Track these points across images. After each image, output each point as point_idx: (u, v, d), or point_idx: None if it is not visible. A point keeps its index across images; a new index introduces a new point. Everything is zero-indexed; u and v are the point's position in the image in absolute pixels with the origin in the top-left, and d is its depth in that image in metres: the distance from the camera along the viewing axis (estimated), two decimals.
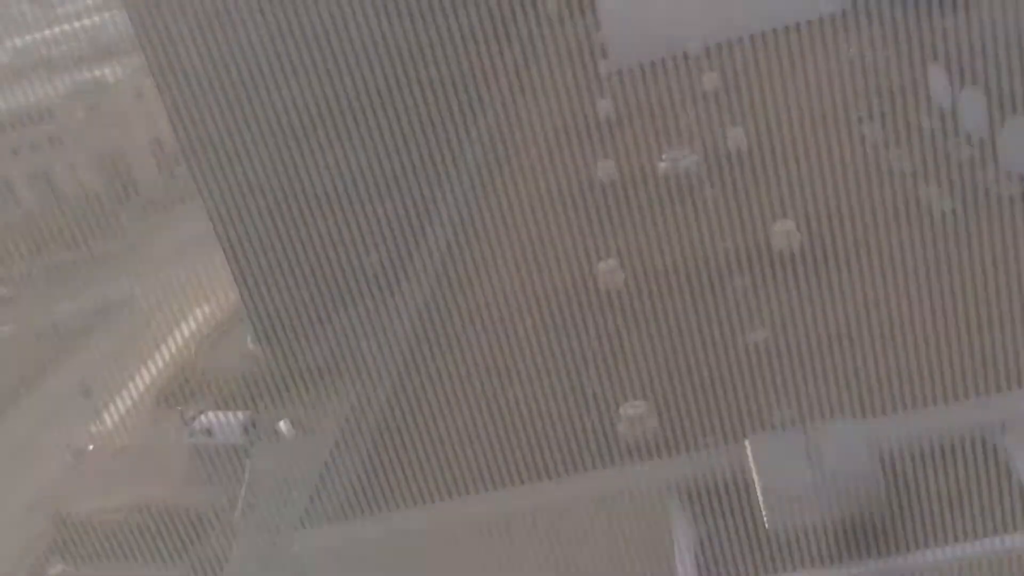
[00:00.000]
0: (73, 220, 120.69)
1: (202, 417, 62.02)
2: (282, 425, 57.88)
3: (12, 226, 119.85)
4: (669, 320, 18.93)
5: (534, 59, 48.63)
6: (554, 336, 19.65)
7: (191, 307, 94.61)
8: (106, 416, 75.58)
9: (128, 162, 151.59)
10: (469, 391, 18.48)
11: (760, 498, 13.26)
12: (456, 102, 66.25)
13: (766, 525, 13.25)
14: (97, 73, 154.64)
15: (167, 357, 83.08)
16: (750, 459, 13.59)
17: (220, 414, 63.42)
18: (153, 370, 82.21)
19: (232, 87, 72.07)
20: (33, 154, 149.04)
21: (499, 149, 34.27)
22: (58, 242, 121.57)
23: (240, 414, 61.93)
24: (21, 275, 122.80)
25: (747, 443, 13.85)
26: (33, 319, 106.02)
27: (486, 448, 16.29)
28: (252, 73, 71.49)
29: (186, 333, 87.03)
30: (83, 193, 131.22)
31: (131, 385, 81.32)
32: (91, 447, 63.54)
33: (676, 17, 37.81)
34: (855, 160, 23.85)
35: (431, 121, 68.02)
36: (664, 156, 25.50)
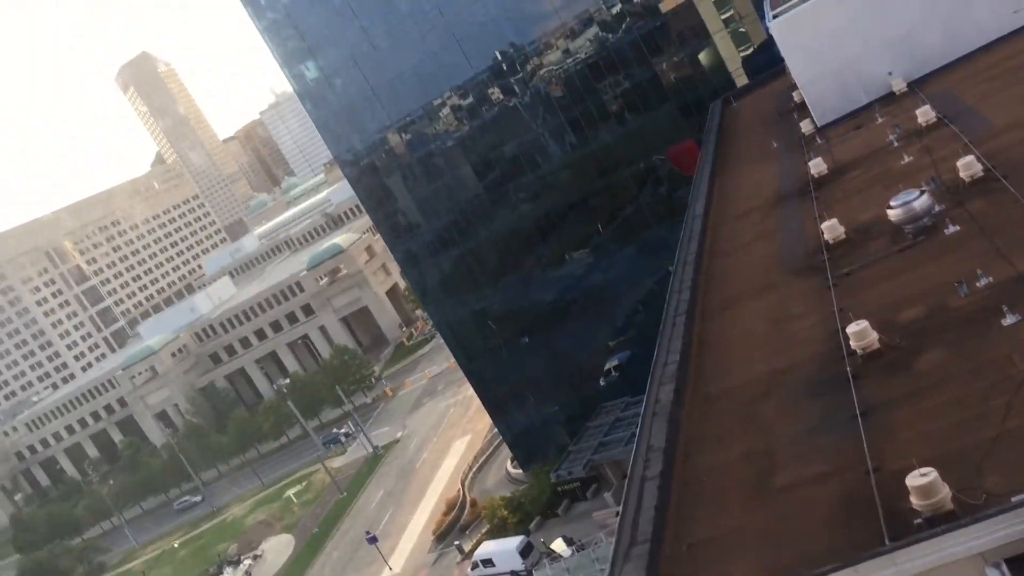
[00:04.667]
0: (331, 378, 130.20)
1: (480, 548, 63.49)
2: (557, 544, 58.19)
3: (290, 389, 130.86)
4: (935, 374, 17.60)
5: (737, 122, 48.33)
6: (813, 411, 18.72)
7: (451, 443, 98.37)
8: (392, 559, 79.14)
9: (371, 315, 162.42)
10: (734, 483, 17.86)
11: None
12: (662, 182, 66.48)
13: None
14: (332, 241, 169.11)
15: (438, 494, 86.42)
16: None
17: (496, 542, 64.88)
18: (427, 508, 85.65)
19: (450, 231, 76.38)
20: (291, 326, 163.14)
21: (715, 219, 33.86)
22: (326, 401, 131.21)
23: (515, 539, 63.07)
24: (297, 433, 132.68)
25: None
26: (315, 470, 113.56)
27: (765, 542, 15.59)
28: (467, 215, 75.54)
29: (451, 469, 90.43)
30: (337, 351, 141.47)
31: (409, 526, 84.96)
32: None
33: (872, 60, 36.52)
34: None
35: (654, 212, 68.54)
36: (893, 202, 24.19)
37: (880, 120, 35.29)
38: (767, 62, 54.55)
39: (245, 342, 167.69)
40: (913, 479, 13.83)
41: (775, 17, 38.67)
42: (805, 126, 38.99)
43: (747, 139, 46.46)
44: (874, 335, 19.28)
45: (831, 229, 25.84)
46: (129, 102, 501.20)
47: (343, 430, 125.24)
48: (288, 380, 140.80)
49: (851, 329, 19.46)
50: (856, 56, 37.09)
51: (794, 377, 20.47)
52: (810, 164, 32.55)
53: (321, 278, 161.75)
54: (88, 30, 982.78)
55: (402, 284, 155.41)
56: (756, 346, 23.10)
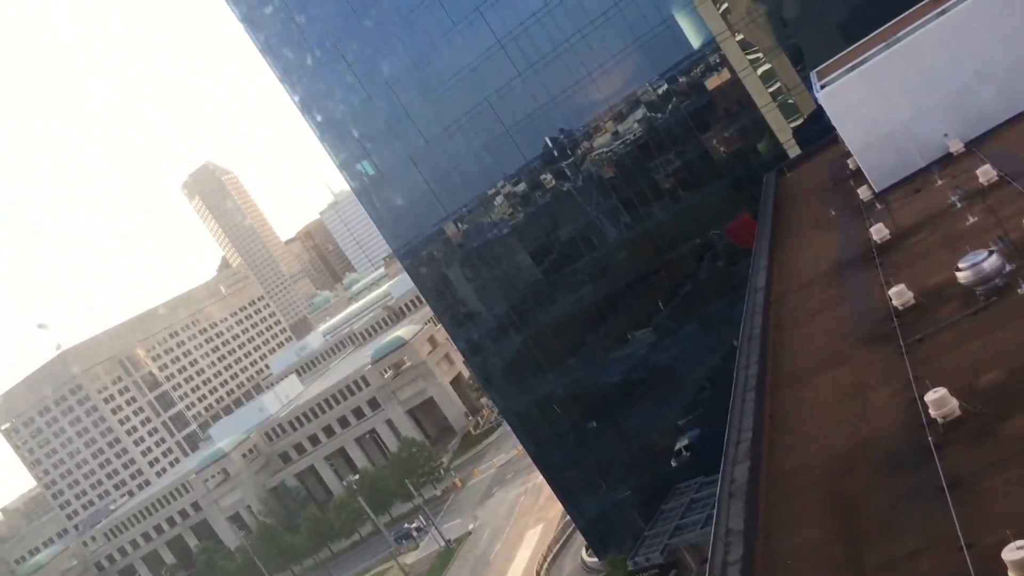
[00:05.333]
0: (400, 472, 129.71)
1: None
2: None
3: (359, 485, 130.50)
4: (1023, 440, 16.89)
5: (792, 192, 48.07)
6: (896, 485, 18.05)
7: (523, 533, 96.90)
8: None
9: (437, 406, 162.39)
10: (821, 566, 17.19)
11: None
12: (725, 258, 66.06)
13: None
14: (394, 334, 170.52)
15: None
16: None
17: None
18: None
19: (510, 317, 76.65)
20: (358, 421, 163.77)
21: (777, 291, 33.40)
22: (396, 495, 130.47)
23: None
24: (369, 530, 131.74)
25: None
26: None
27: None
28: (526, 301, 75.86)
29: (525, 559, 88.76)
30: (404, 444, 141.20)
31: None
32: None
33: (926, 123, 36.22)
34: None
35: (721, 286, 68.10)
36: (961, 264, 23.64)
37: (940, 182, 34.79)
38: (818, 131, 54.54)
39: (314, 439, 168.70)
40: (1010, 553, 13.14)
41: (823, 87, 38.76)
42: (863, 192, 38.61)
43: (804, 209, 46.14)
44: (954, 402, 18.61)
45: (899, 295, 25.28)
46: (195, 210, 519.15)
47: (414, 524, 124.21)
48: (357, 476, 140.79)
49: (929, 397, 18.83)
50: (909, 119, 36.84)
51: (873, 450, 19.80)
52: (871, 230, 32.09)
53: (385, 371, 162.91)
54: (153, 139, 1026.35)
55: (466, 373, 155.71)
56: (831, 419, 22.48)
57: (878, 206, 36.72)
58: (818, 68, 45.41)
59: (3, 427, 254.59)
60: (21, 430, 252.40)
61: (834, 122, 39.83)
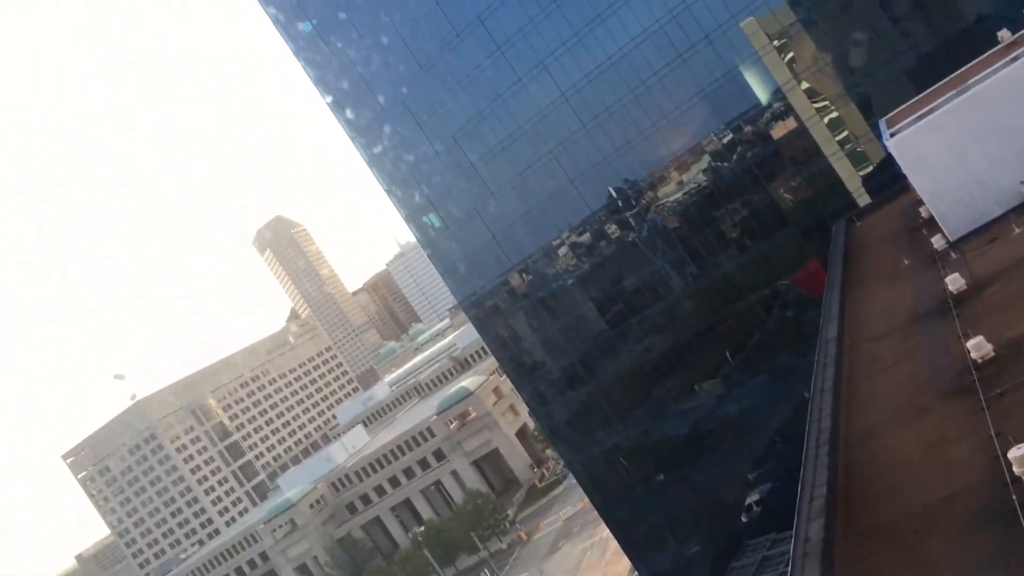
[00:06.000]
0: (466, 524, 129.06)
1: None
2: None
3: (425, 537, 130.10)
4: None
5: (863, 241, 47.25)
6: (981, 545, 17.39)
7: None
8: None
9: (502, 457, 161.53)
10: None
11: None
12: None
13: None
14: (459, 385, 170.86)
15: None
16: None
17: None
18: None
19: (575, 368, 76.36)
20: (424, 472, 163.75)
21: (850, 341, 32.68)
22: (461, 547, 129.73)
23: None
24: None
25: None
26: None
27: None
28: (592, 351, 75.55)
29: None
30: (470, 496, 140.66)
31: None
32: None
33: (1002, 170, 35.45)
34: None
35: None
36: None
37: (1017, 231, 33.88)
38: (888, 180, 53.66)
39: (379, 490, 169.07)
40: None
41: (893, 135, 38.26)
42: (937, 241, 37.76)
43: (876, 258, 45.29)
44: None
45: (978, 347, 24.55)
46: (266, 262, 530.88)
47: None
48: (423, 528, 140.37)
49: (1013, 454, 18.16)
50: (984, 167, 36.09)
51: (955, 508, 19.12)
52: (947, 280, 31.32)
53: (451, 422, 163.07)
54: (225, 191, 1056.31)
55: (531, 424, 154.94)
56: (909, 475, 21.80)
57: (953, 256, 35.85)
58: (887, 116, 44.88)
59: (80, 475, 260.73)
60: (97, 478, 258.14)
61: (905, 170, 39.19)
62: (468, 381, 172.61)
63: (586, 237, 75.61)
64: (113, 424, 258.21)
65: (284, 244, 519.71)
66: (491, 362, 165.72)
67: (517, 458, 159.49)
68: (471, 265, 79.77)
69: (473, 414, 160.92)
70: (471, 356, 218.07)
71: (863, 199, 61.63)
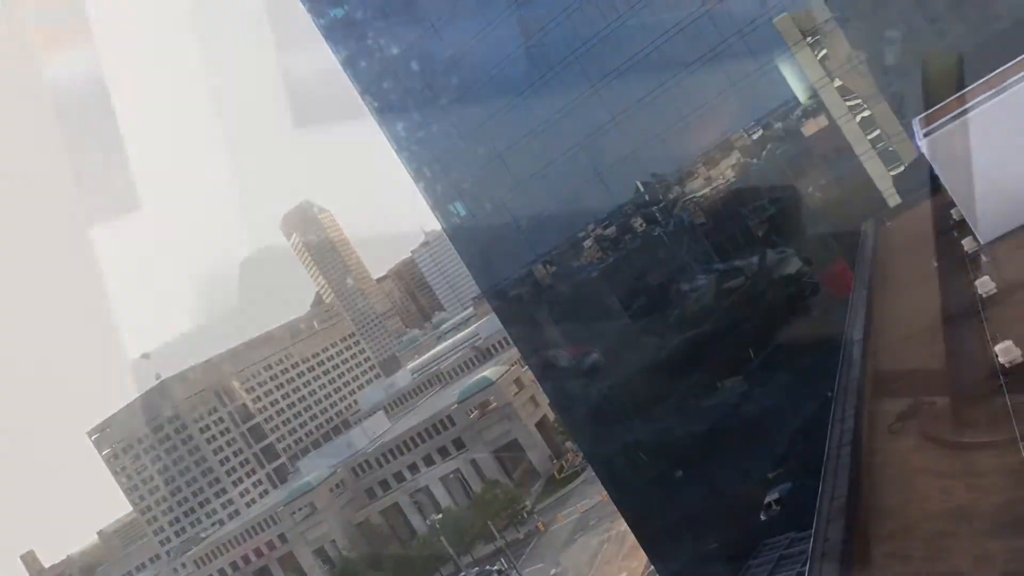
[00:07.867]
0: (483, 513, 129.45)
1: None
2: None
3: (443, 524, 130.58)
4: None
5: (892, 242, 46.79)
6: (1004, 550, 17.21)
7: None
8: None
9: (521, 448, 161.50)
10: None
11: None
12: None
13: None
14: (481, 375, 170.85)
15: None
16: None
17: None
18: None
19: (597, 362, 76.17)
20: (443, 460, 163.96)
21: (875, 343, 32.39)
22: (479, 536, 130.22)
23: None
24: (451, 571, 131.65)
25: None
26: None
27: None
28: (614, 346, 75.38)
29: None
30: (488, 485, 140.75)
31: None
32: None
33: None
34: None
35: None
36: None
37: None
38: (920, 180, 53.01)
39: (399, 476, 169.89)
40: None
41: (926, 135, 37.77)
42: (967, 244, 37.27)
43: (904, 259, 44.85)
44: None
45: (1006, 352, 24.22)
46: (292, 247, 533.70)
47: (496, 567, 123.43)
48: (441, 515, 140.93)
49: None
50: (1018, 169, 35.54)
51: (978, 513, 18.94)
52: (976, 283, 30.93)
53: (471, 411, 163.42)
54: (250, 174, 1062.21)
55: (551, 416, 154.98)
56: (932, 479, 21.61)
57: (984, 258, 35.39)
58: (921, 115, 44.33)
59: (104, 452, 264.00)
60: (121, 456, 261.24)
61: (937, 171, 38.70)
62: (490, 371, 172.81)
63: (611, 231, 75.36)
64: (138, 403, 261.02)
65: (309, 228, 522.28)
66: (513, 352, 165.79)
67: (536, 449, 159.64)
68: (496, 255, 79.76)
69: (494, 404, 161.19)
70: (493, 346, 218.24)
71: (893, 199, 60.98)
